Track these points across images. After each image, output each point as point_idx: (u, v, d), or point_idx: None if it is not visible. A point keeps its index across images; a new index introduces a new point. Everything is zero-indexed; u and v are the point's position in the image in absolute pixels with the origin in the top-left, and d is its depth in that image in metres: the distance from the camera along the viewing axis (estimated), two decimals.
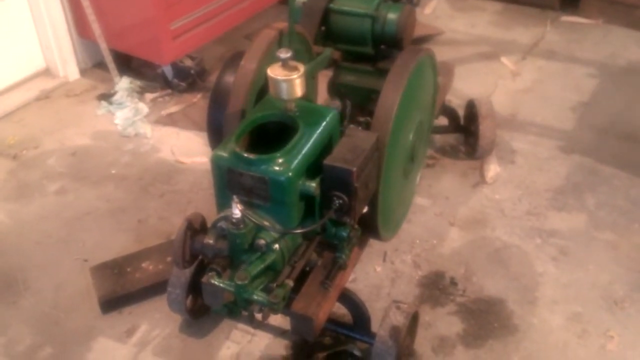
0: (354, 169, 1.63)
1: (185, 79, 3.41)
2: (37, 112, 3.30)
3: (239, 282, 1.57)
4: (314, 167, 1.69)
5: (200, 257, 1.77)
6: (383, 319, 1.87)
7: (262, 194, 1.63)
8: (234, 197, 1.56)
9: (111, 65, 3.38)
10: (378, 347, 1.83)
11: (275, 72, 1.69)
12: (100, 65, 3.56)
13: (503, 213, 2.61)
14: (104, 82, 3.48)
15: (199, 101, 3.34)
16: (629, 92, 3.36)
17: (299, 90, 1.70)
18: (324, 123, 1.77)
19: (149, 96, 3.38)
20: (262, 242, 1.61)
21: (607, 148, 2.96)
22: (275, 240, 1.63)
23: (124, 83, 3.37)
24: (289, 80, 1.67)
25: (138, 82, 3.43)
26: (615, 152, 2.94)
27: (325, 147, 1.76)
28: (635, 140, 3.01)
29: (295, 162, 1.63)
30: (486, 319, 2.18)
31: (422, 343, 2.09)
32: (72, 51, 3.49)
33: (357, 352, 2.06)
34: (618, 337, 2.12)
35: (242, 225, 1.57)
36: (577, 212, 2.62)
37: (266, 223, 1.62)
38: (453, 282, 2.32)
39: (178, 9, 3.17)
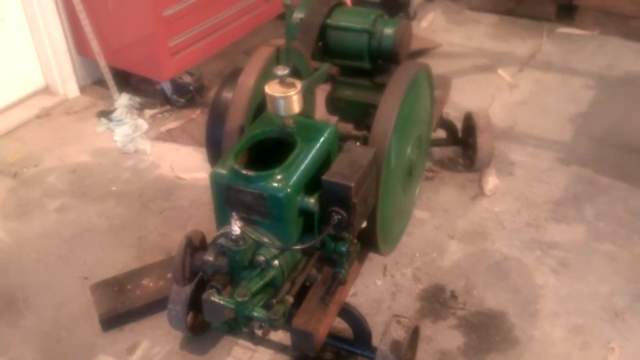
0: (353, 185, 1.64)
1: (184, 95, 3.43)
2: (37, 130, 3.31)
3: (239, 299, 1.57)
4: (313, 182, 1.70)
5: (200, 274, 1.78)
6: (384, 333, 1.87)
7: (261, 211, 1.64)
8: (233, 214, 1.57)
9: (110, 82, 3.41)
10: None
11: (272, 89, 1.70)
12: (99, 82, 3.58)
13: (502, 225, 2.62)
14: (104, 99, 3.50)
15: (198, 117, 3.36)
16: (626, 102, 3.38)
17: (296, 106, 1.71)
18: (322, 139, 1.78)
19: (148, 112, 3.40)
20: (261, 258, 1.61)
21: (605, 158, 2.97)
22: (275, 257, 1.64)
23: (123, 100, 3.39)
24: (287, 97, 1.68)
25: (137, 99, 3.45)
26: (613, 162, 2.95)
27: (324, 162, 1.76)
28: (633, 150, 3.02)
29: (294, 178, 1.64)
30: (487, 332, 2.18)
31: (424, 357, 2.09)
32: (71, 69, 3.51)
33: None
34: (619, 349, 2.11)
35: (241, 242, 1.57)
36: (577, 223, 2.62)
37: (265, 239, 1.63)
38: (453, 296, 2.32)
39: (176, 26, 3.20)
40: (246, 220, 1.63)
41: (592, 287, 2.34)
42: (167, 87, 3.40)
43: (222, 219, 1.70)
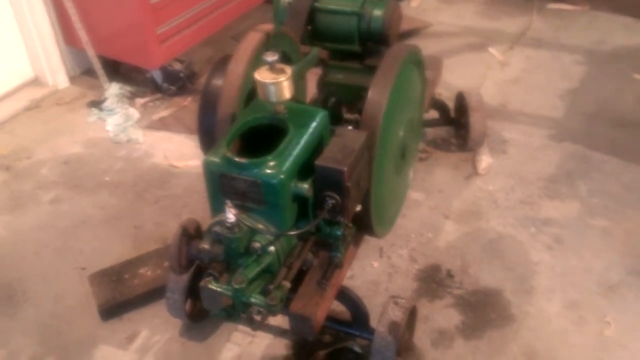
0: (345, 169, 1.64)
1: (175, 83, 3.41)
2: (27, 122, 3.29)
3: (237, 286, 1.58)
4: (306, 168, 1.70)
5: (197, 262, 1.78)
6: (381, 314, 1.89)
7: (255, 198, 1.64)
8: (228, 201, 1.57)
9: (100, 71, 3.38)
10: (377, 342, 1.84)
11: (262, 75, 1.69)
12: (89, 72, 3.55)
13: (497, 204, 2.63)
14: (94, 89, 3.47)
15: (189, 104, 3.34)
16: (617, 78, 3.38)
17: (287, 92, 1.71)
18: (313, 124, 1.78)
19: (139, 101, 3.38)
20: (257, 245, 1.62)
21: (597, 134, 2.98)
22: (271, 243, 1.64)
23: (113, 89, 3.37)
24: (277, 83, 1.68)
25: (128, 88, 3.43)
26: (605, 138, 2.96)
27: (316, 147, 1.76)
28: (624, 125, 3.03)
29: (287, 164, 1.64)
30: (484, 310, 2.20)
31: (421, 337, 2.11)
32: (60, 59, 3.48)
33: (357, 349, 2.07)
34: (615, 323, 2.14)
35: (236, 230, 1.58)
36: (570, 199, 2.63)
37: (260, 226, 1.64)
38: (450, 275, 2.33)
39: (164, 13, 3.17)
40: (241, 208, 1.63)
41: (586, 262, 2.36)
42: (157, 75, 3.38)
43: (217, 207, 1.70)
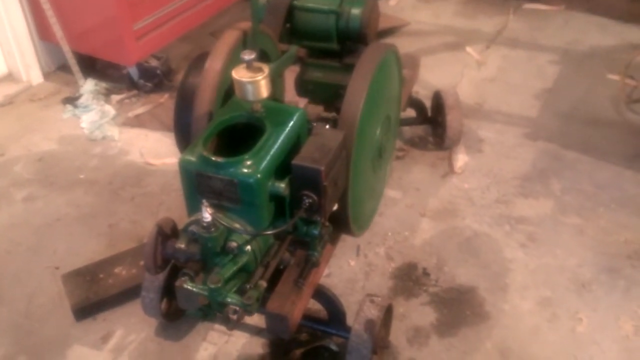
0: (322, 168, 1.64)
1: (151, 79, 3.38)
2: (0, 119, 3.23)
3: (212, 286, 1.57)
4: (283, 167, 1.70)
5: (172, 261, 1.77)
6: (358, 313, 1.89)
7: (232, 197, 1.63)
8: (204, 200, 1.56)
9: (75, 67, 3.34)
10: (354, 340, 1.85)
11: (240, 74, 1.69)
12: (64, 68, 3.50)
13: (472, 202, 2.66)
14: (69, 85, 3.43)
15: (166, 101, 3.32)
16: (591, 77, 3.43)
17: (264, 91, 1.70)
18: (291, 123, 1.78)
19: (115, 98, 3.34)
20: (233, 244, 1.61)
21: (570, 133, 3.02)
22: (247, 242, 1.64)
23: (88, 85, 3.33)
24: (254, 81, 1.67)
25: (103, 84, 3.39)
26: (578, 137, 3.00)
27: (293, 146, 1.76)
28: (597, 125, 3.08)
29: (264, 163, 1.64)
30: (459, 307, 2.22)
31: (397, 334, 2.13)
32: (34, 55, 3.43)
33: (333, 347, 2.08)
34: (587, 319, 2.17)
35: (213, 229, 1.57)
36: (544, 198, 2.67)
37: (237, 225, 1.63)
38: (425, 273, 2.35)
39: (141, 8, 3.14)
40: (217, 207, 1.63)
41: (559, 259, 2.40)
42: (133, 71, 3.35)
43: (193, 206, 1.69)
